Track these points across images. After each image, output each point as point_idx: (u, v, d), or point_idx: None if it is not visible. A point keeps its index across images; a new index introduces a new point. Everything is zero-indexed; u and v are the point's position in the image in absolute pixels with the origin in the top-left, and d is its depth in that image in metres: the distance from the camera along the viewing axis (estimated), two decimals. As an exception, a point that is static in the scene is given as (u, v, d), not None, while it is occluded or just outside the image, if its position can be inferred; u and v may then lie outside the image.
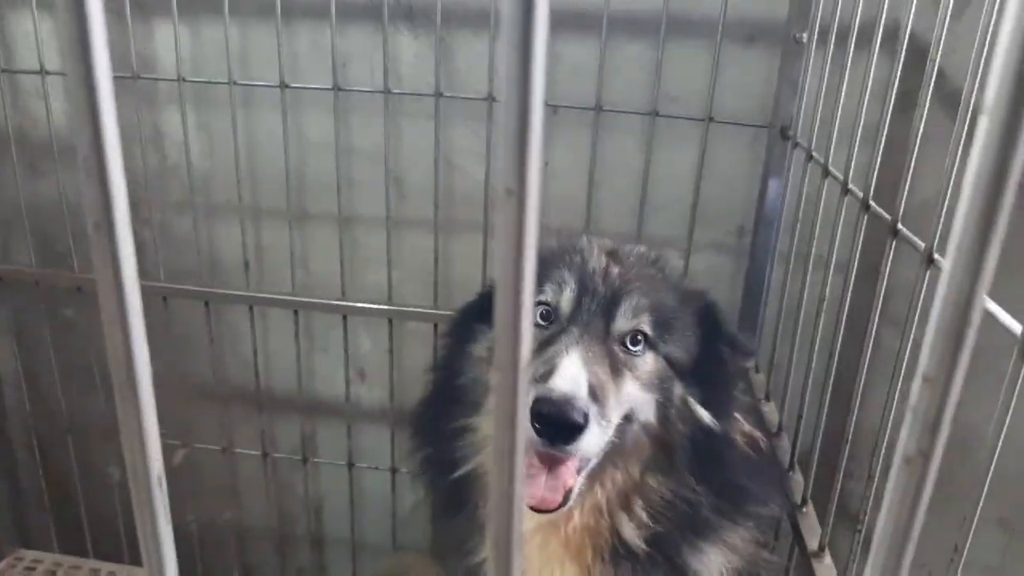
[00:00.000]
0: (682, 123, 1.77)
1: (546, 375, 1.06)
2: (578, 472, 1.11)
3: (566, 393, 1.03)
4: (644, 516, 1.18)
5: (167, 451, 2.17)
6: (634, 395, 1.16)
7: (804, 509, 1.38)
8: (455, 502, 1.29)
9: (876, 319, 1.12)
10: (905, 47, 1.10)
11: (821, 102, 1.44)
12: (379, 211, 1.89)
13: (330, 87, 1.80)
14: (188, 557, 2.25)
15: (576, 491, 1.11)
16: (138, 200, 2.06)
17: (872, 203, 1.12)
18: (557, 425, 1.02)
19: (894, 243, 1.05)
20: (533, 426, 1.03)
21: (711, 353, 1.24)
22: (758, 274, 1.79)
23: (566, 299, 1.19)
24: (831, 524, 1.27)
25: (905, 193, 1.03)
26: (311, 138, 1.95)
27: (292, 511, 2.35)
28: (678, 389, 1.20)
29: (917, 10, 1.12)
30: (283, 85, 1.81)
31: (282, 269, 2.01)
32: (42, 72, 1.94)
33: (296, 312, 1.97)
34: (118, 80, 1.94)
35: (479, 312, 1.34)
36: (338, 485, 2.18)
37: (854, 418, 1.21)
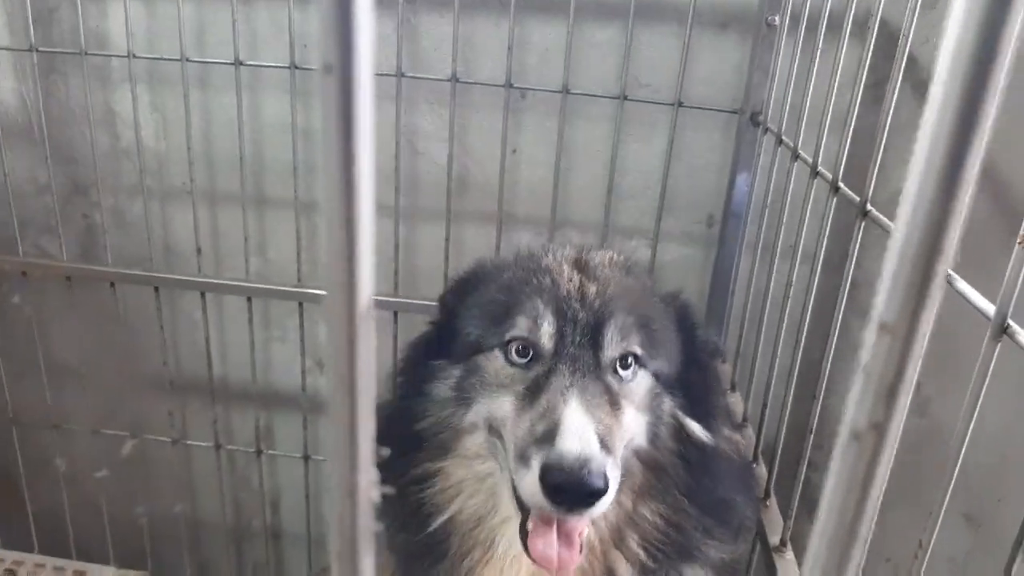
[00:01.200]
0: (652, 109, 1.73)
1: (549, 434, 0.94)
2: None
3: (579, 457, 0.91)
4: (639, 552, 1.10)
5: (115, 442, 2.12)
6: (631, 424, 1.06)
7: (767, 502, 1.34)
8: (430, 555, 1.14)
9: (843, 304, 1.09)
10: (875, 33, 1.07)
11: (792, 88, 1.41)
12: (339, 196, 1.83)
13: (287, 66, 1.73)
14: (138, 552, 2.17)
15: (585, 535, 1.03)
16: (88, 182, 1.98)
17: (841, 184, 1.08)
18: (575, 495, 0.91)
19: (863, 225, 1.02)
20: (547, 499, 0.92)
21: (691, 359, 1.18)
22: (726, 263, 1.76)
23: (546, 334, 1.07)
24: (794, 518, 1.24)
25: (875, 174, 1.00)
26: (269, 120, 1.88)
27: (247, 504, 2.28)
28: (667, 404, 1.12)
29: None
30: (238, 62, 1.74)
31: (238, 255, 1.93)
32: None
33: (249, 299, 1.90)
34: (67, 56, 1.86)
35: (436, 345, 1.20)
36: (294, 478, 2.11)
37: (819, 408, 1.18)
